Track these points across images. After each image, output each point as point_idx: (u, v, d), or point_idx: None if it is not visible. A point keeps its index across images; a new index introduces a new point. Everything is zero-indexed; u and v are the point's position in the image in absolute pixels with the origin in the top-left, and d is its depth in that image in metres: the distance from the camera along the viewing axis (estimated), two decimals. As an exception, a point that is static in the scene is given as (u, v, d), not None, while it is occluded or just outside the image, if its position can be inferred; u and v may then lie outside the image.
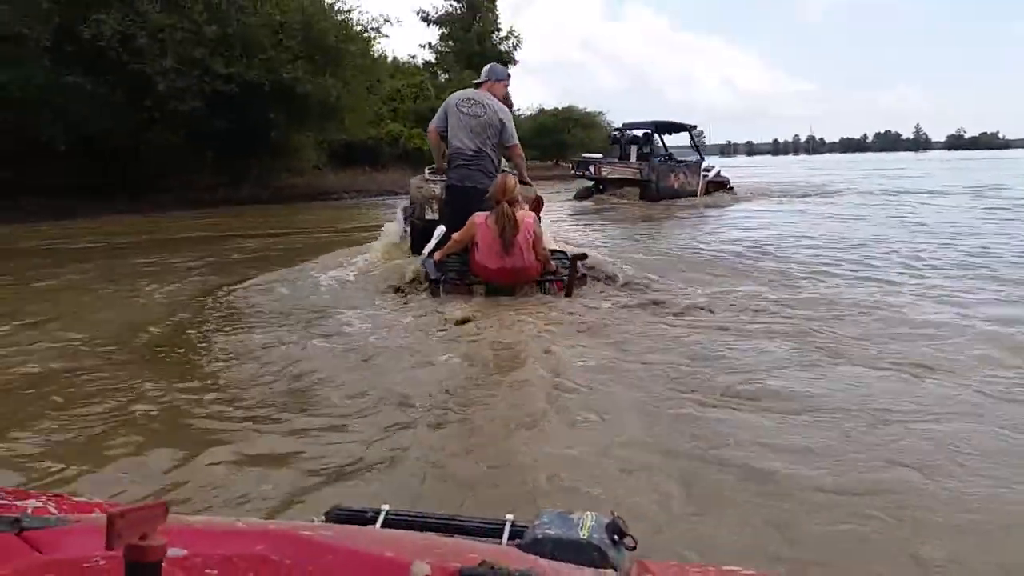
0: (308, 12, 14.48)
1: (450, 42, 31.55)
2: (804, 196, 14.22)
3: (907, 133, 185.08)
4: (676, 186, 13.75)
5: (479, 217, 3.96)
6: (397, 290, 4.25)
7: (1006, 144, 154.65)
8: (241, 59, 13.09)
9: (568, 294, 4.02)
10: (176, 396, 2.55)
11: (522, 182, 4.49)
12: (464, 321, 3.36)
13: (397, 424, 2.22)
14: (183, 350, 3.24)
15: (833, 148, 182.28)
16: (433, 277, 4.02)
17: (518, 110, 32.51)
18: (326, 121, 15.99)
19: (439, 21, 31.70)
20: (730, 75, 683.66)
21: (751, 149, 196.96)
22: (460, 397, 2.44)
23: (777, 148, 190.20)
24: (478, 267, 3.98)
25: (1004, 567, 1.42)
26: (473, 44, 30.68)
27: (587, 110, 32.68)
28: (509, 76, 4.80)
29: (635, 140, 14.37)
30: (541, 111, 32.94)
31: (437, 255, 4.18)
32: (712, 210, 11.80)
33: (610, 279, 4.48)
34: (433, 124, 4.60)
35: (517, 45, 32.70)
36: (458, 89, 5.01)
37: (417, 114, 22.59)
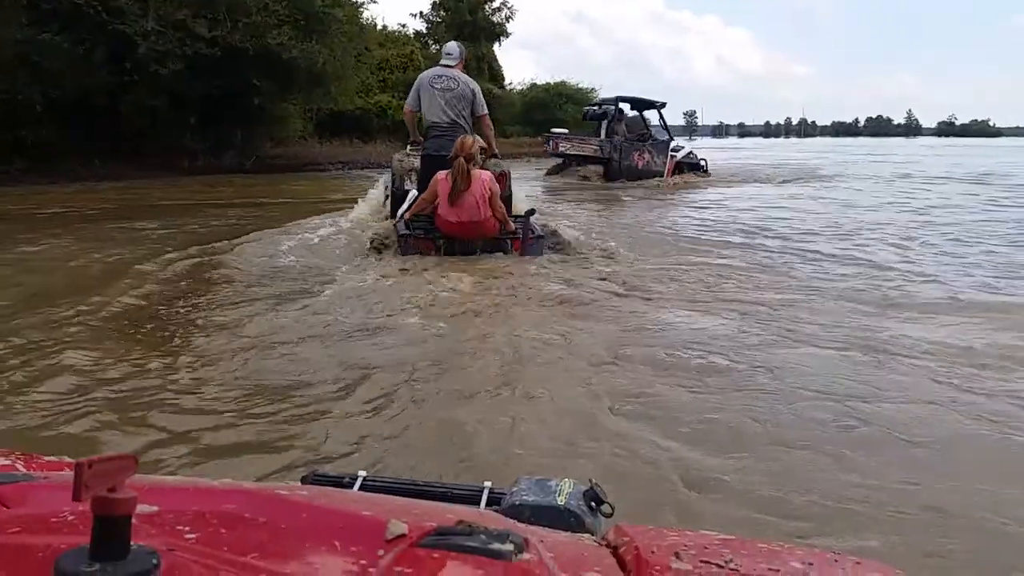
0: (295, -25, 14.07)
1: (442, 12, 30.86)
2: (789, 181, 13.89)
3: (898, 119, 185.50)
4: (640, 165, 13.39)
5: (441, 174, 4.22)
6: (371, 247, 4.51)
7: (997, 132, 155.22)
8: (225, 22, 12.76)
9: (523, 253, 4.26)
10: (140, 366, 2.50)
11: (492, 155, 4.75)
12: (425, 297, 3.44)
13: (362, 392, 2.23)
14: (149, 319, 3.21)
15: (824, 131, 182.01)
16: (401, 234, 4.35)
17: (509, 83, 32.10)
18: (312, 89, 15.69)
19: (431, -11, 30.96)
20: (724, 56, 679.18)
21: (743, 131, 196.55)
22: (424, 367, 2.45)
23: (769, 130, 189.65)
24: (440, 221, 4.26)
25: (927, 553, 1.45)
26: (465, 14, 30.04)
27: (580, 86, 32.19)
28: None
29: (604, 116, 14.09)
30: (533, 86, 32.45)
31: (407, 214, 4.49)
32: (678, 192, 11.61)
33: (564, 249, 4.64)
34: (408, 105, 5.02)
35: (510, 17, 32.04)
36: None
37: (407, 85, 22.12)
